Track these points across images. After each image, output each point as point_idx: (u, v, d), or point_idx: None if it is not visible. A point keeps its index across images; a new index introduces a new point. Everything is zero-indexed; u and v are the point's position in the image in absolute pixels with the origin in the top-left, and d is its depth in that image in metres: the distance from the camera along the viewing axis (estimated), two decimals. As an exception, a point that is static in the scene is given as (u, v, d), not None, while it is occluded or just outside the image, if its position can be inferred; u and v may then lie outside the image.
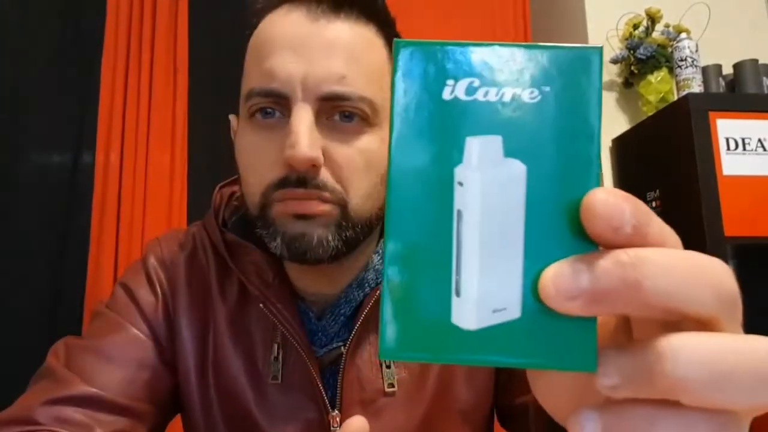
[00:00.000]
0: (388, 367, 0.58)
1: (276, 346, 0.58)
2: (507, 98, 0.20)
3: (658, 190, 1.71)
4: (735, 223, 1.52)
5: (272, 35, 0.52)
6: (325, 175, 0.50)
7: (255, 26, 0.56)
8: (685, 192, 1.58)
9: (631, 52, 1.87)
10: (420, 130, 0.20)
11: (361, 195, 0.52)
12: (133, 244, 1.63)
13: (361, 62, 0.51)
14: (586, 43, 2.06)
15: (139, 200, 1.68)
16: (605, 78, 2.02)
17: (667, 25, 1.88)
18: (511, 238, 0.20)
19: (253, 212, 0.54)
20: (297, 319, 0.57)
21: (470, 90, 0.20)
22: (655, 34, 1.88)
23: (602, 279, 0.18)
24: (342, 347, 0.57)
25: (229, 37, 1.84)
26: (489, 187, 0.20)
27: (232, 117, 0.61)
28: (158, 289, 0.61)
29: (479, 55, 0.20)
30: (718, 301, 0.18)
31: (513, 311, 0.19)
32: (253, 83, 0.52)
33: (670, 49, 1.80)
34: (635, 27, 1.91)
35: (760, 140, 1.60)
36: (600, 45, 0.22)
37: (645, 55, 1.83)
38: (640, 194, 1.78)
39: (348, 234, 0.52)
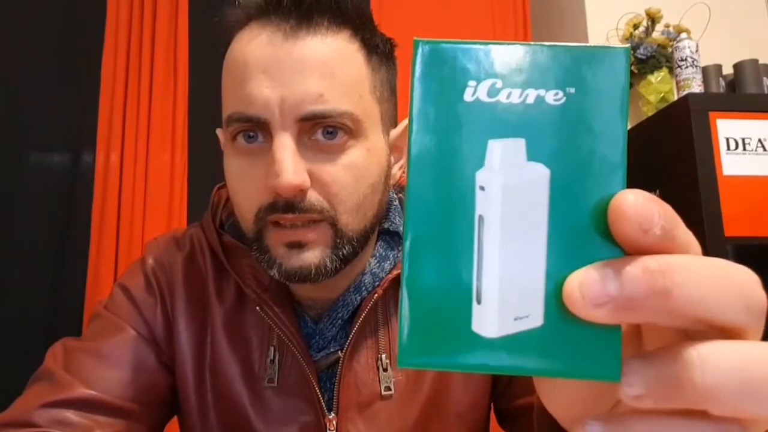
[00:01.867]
0: (385, 370, 0.58)
1: (272, 349, 0.58)
2: (531, 100, 0.20)
3: (658, 190, 1.71)
4: (735, 223, 1.52)
5: (245, 58, 0.51)
6: (312, 196, 0.50)
7: (228, 43, 0.56)
8: (685, 192, 1.58)
9: (631, 52, 1.87)
10: (440, 133, 0.19)
11: (350, 211, 0.52)
12: (133, 244, 1.63)
13: (337, 76, 0.50)
14: (586, 42, 2.06)
15: (139, 200, 1.68)
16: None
17: (667, 25, 1.88)
18: (534, 244, 0.19)
19: (249, 234, 0.54)
20: (294, 322, 0.57)
21: (492, 91, 0.20)
22: (655, 34, 1.88)
23: (630, 286, 0.17)
24: (339, 352, 0.57)
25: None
26: (511, 191, 0.19)
27: (219, 131, 0.61)
28: (156, 291, 0.61)
29: (501, 55, 0.20)
30: (746, 310, 0.18)
31: (535, 319, 0.19)
32: (232, 108, 0.52)
33: (670, 49, 1.80)
34: (635, 27, 1.91)
35: (760, 140, 1.60)
36: (626, 46, 0.20)
37: (645, 55, 1.83)
38: (640, 194, 1.78)
39: (344, 252, 0.52)
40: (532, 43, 0.20)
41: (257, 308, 0.57)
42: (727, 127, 1.59)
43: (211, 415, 0.59)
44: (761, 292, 0.18)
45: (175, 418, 0.64)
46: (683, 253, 0.18)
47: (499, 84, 0.20)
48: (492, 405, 0.66)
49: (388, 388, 0.57)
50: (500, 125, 0.19)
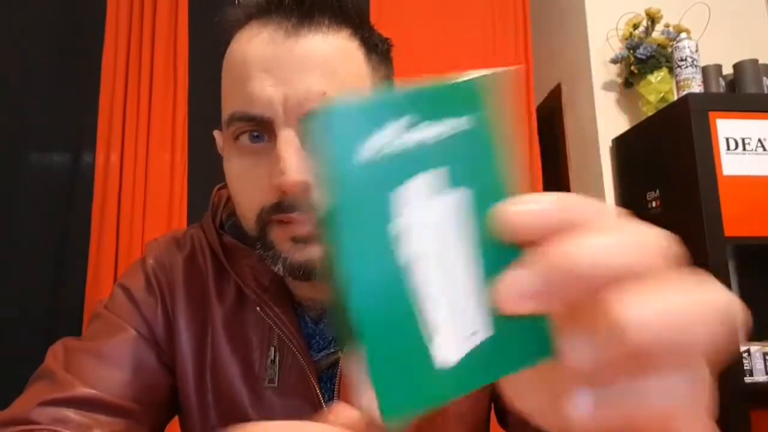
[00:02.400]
0: None
1: (273, 349, 0.58)
2: (427, 136, 0.20)
3: (658, 190, 1.71)
4: (735, 223, 1.52)
5: (246, 57, 0.51)
6: (317, 194, 0.50)
7: (227, 43, 0.55)
8: (685, 192, 1.58)
9: (631, 52, 1.87)
10: (352, 194, 0.20)
11: None
12: (133, 244, 1.63)
13: (339, 74, 0.50)
14: (586, 42, 2.06)
15: (139, 200, 1.68)
16: (606, 78, 2.02)
17: (667, 25, 1.88)
18: (464, 266, 0.21)
19: (251, 233, 0.53)
20: (294, 323, 0.57)
21: (388, 139, 0.20)
22: (655, 34, 1.88)
23: (541, 275, 0.19)
24: (339, 352, 0.57)
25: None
26: (429, 227, 0.20)
27: (216, 133, 0.60)
28: (157, 291, 0.61)
29: (392, 102, 0.20)
30: (645, 257, 0.20)
31: (484, 331, 0.20)
32: (234, 107, 0.51)
33: (670, 49, 1.80)
34: (635, 27, 1.91)
35: (760, 140, 1.60)
36: (475, 77, 0.21)
37: (645, 55, 1.83)
38: (640, 194, 1.79)
39: None
40: (417, 82, 0.21)
41: (257, 308, 0.57)
42: (726, 127, 1.59)
43: (212, 415, 0.59)
44: (654, 237, 0.21)
45: (176, 419, 0.64)
46: (583, 225, 0.20)
47: (395, 130, 0.20)
48: (492, 405, 0.66)
49: None
50: (405, 169, 0.20)
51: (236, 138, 0.52)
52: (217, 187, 0.67)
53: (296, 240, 0.50)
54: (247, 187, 0.52)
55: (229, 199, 0.65)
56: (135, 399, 0.55)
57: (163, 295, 0.61)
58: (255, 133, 0.51)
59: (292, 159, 0.47)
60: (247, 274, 0.58)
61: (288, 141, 0.48)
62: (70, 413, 0.51)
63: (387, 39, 0.58)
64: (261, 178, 0.50)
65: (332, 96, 0.49)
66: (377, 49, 0.55)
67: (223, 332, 0.59)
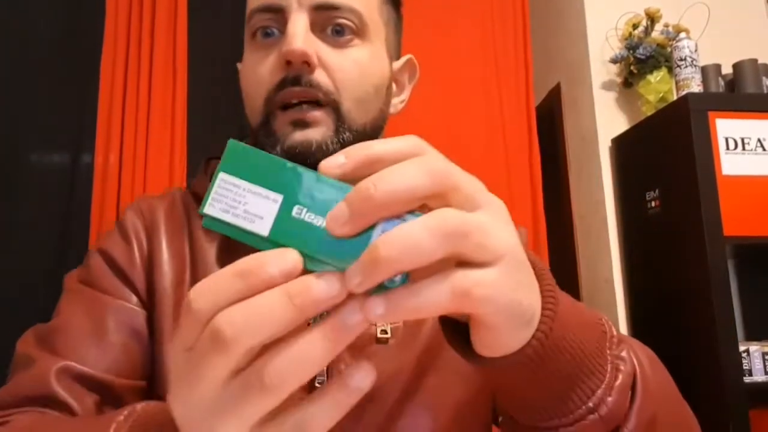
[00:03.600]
0: None
1: None
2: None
3: (657, 190, 1.72)
4: (734, 223, 1.52)
5: None
6: (319, 75, 0.53)
7: None
8: (685, 192, 1.58)
9: (631, 51, 1.87)
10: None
11: (353, 99, 0.55)
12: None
13: None
14: (585, 42, 2.06)
15: (138, 200, 1.68)
16: (605, 78, 2.02)
17: (666, 25, 1.88)
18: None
19: (256, 123, 0.56)
20: None
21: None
22: (655, 34, 1.88)
23: (353, 201, 0.24)
24: None
25: (229, 37, 1.84)
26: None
27: (239, 65, 0.64)
28: (132, 236, 0.59)
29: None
30: (433, 179, 0.24)
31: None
32: (254, 3, 0.56)
33: (669, 49, 1.80)
34: (635, 27, 1.91)
35: (759, 140, 1.60)
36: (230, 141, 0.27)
37: (644, 55, 1.83)
38: (640, 194, 1.79)
39: (345, 137, 0.54)
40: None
41: None
42: (726, 127, 1.59)
43: None
44: (441, 164, 0.25)
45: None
46: (383, 166, 0.25)
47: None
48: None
49: (384, 332, 0.55)
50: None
51: (253, 36, 0.57)
52: (207, 157, 0.69)
53: (296, 123, 0.53)
54: (257, 74, 0.55)
55: (216, 161, 0.66)
56: (114, 368, 0.52)
57: (139, 236, 0.59)
58: (268, 30, 0.55)
59: (300, 32, 0.52)
60: None
61: (298, 19, 0.53)
62: (49, 389, 0.49)
63: None
64: (270, 63, 0.54)
65: None
66: None
67: (217, 267, 0.57)
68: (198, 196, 0.62)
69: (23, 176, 1.73)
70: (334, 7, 0.54)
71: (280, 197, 0.25)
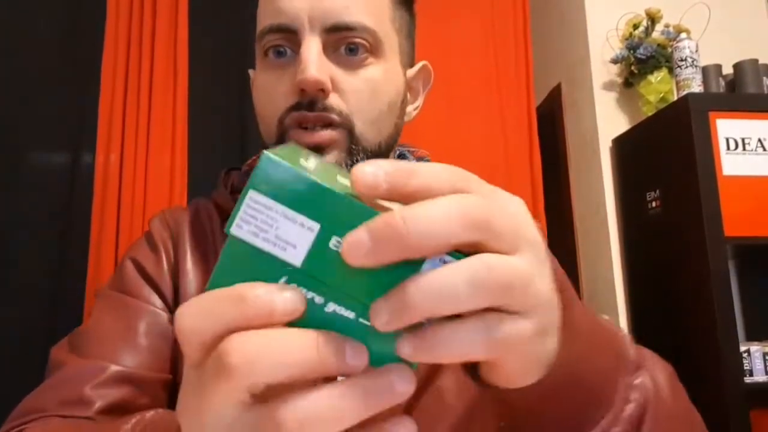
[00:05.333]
0: None
1: None
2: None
3: (658, 190, 1.71)
4: (735, 223, 1.52)
5: None
6: (333, 99, 0.53)
7: None
8: (685, 192, 1.58)
9: (631, 52, 1.87)
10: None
11: (366, 120, 0.55)
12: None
13: None
14: (586, 42, 2.06)
15: (139, 200, 1.68)
16: (606, 78, 2.02)
17: (667, 25, 1.88)
18: None
19: (271, 142, 0.56)
20: None
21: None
22: (655, 34, 1.88)
23: (378, 235, 0.21)
24: None
25: (229, 37, 1.84)
26: None
27: (251, 71, 0.64)
28: (160, 246, 0.61)
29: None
30: (471, 229, 0.22)
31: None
32: (265, 22, 0.55)
33: (670, 49, 1.80)
34: (635, 27, 1.91)
35: (760, 140, 1.60)
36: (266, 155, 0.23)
37: (645, 55, 1.83)
38: (640, 194, 1.79)
39: (359, 158, 0.54)
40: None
41: None
42: (726, 127, 1.59)
43: None
44: (481, 209, 0.22)
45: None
46: (422, 196, 0.22)
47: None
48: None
49: None
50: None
51: (265, 54, 0.56)
52: (226, 169, 0.69)
53: (311, 149, 0.53)
54: (270, 95, 0.56)
55: (236, 172, 0.67)
56: (143, 366, 0.54)
57: (166, 246, 0.61)
58: (280, 49, 0.55)
59: (313, 59, 0.52)
60: None
61: (311, 45, 0.52)
62: (74, 391, 0.50)
63: None
64: (284, 84, 0.54)
65: (355, 11, 0.54)
66: None
67: None
68: (220, 208, 0.64)
69: (23, 176, 1.73)
70: (348, 28, 0.53)
71: (317, 226, 0.22)
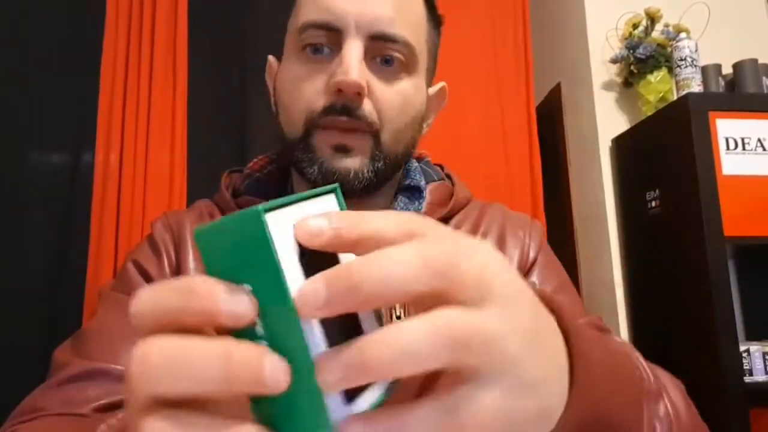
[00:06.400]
0: (399, 317, 0.57)
1: None
2: None
3: (657, 190, 1.71)
4: (734, 223, 1.52)
5: None
6: (367, 106, 0.54)
7: None
8: (685, 192, 1.58)
9: (631, 51, 1.87)
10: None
11: (393, 131, 0.56)
12: (133, 244, 1.63)
13: (407, 10, 0.55)
14: (586, 42, 2.06)
15: (138, 200, 1.67)
16: (605, 78, 2.02)
17: (666, 25, 1.88)
18: None
19: (294, 137, 0.56)
20: None
21: None
22: (655, 34, 1.88)
23: (334, 287, 0.20)
24: None
25: (229, 37, 1.84)
26: None
27: (271, 58, 0.64)
28: (162, 247, 0.62)
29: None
30: (432, 276, 0.20)
31: None
32: (308, 16, 0.55)
33: (669, 49, 1.80)
34: (635, 27, 1.91)
35: (759, 140, 1.60)
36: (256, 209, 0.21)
37: (644, 55, 1.83)
38: (640, 194, 1.79)
39: (379, 165, 0.55)
40: None
41: None
42: (726, 127, 1.59)
43: None
44: (443, 255, 0.21)
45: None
46: (373, 245, 0.21)
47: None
48: None
49: (398, 317, 0.56)
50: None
51: (303, 48, 0.56)
52: (228, 171, 0.70)
53: (338, 149, 0.54)
54: (302, 89, 0.55)
55: (237, 177, 0.67)
56: None
57: (168, 248, 0.61)
58: (319, 47, 0.55)
59: (355, 62, 0.52)
60: None
61: (354, 48, 0.52)
62: (73, 390, 0.50)
63: (442, 15, 0.64)
64: (318, 81, 0.54)
65: (400, 25, 0.54)
66: (435, 12, 0.62)
67: None
68: (222, 210, 0.65)
69: (23, 175, 1.73)
70: (392, 39, 0.54)
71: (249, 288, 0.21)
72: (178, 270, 0.60)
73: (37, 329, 1.60)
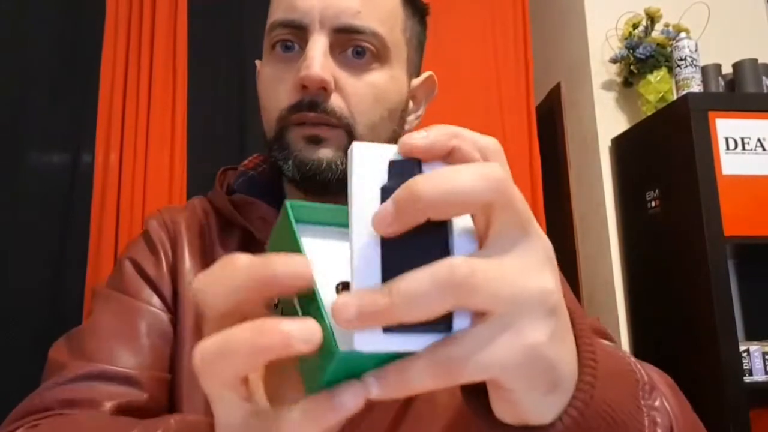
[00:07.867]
0: None
1: None
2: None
3: (657, 190, 1.71)
4: (734, 223, 1.52)
5: None
6: (335, 101, 0.54)
7: None
8: (685, 192, 1.58)
9: (631, 51, 1.87)
10: None
11: (367, 124, 0.55)
12: (133, 244, 1.63)
13: (375, 1, 0.55)
14: (585, 42, 2.06)
15: (138, 200, 1.68)
16: (605, 77, 2.02)
17: (666, 25, 1.88)
18: None
19: (271, 136, 0.57)
20: None
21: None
22: (655, 34, 1.88)
23: (400, 199, 0.22)
24: None
25: (229, 37, 1.84)
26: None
27: (258, 62, 0.64)
28: (159, 246, 0.61)
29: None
30: (489, 186, 0.22)
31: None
32: (276, 16, 0.56)
33: (669, 49, 1.80)
34: (635, 26, 1.91)
35: (759, 140, 1.60)
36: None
37: (644, 55, 1.83)
38: (640, 194, 1.79)
39: None
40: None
41: (266, 247, 0.56)
42: (726, 127, 1.59)
43: None
44: (501, 176, 0.23)
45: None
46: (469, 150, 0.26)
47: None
48: None
49: None
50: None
51: (273, 47, 0.57)
52: (222, 168, 0.69)
53: (309, 139, 0.54)
54: (274, 89, 0.56)
55: (232, 174, 0.67)
56: (143, 366, 0.53)
57: (165, 247, 0.61)
58: (288, 43, 0.55)
59: (318, 58, 0.52)
60: (259, 224, 0.59)
61: (318, 43, 0.53)
62: (79, 391, 0.50)
63: (426, 4, 0.63)
64: (288, 80, 0.54)
65: (367, 16, 0.54)
66: (414, 2, 0.61)
67: None
68: (217, 208, 0.64)
69: (23, 176, 1.73)
70: (357, 31, 0.54)
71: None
72: (175, 269, 0.60)
73: (37, 329, 1.60)
